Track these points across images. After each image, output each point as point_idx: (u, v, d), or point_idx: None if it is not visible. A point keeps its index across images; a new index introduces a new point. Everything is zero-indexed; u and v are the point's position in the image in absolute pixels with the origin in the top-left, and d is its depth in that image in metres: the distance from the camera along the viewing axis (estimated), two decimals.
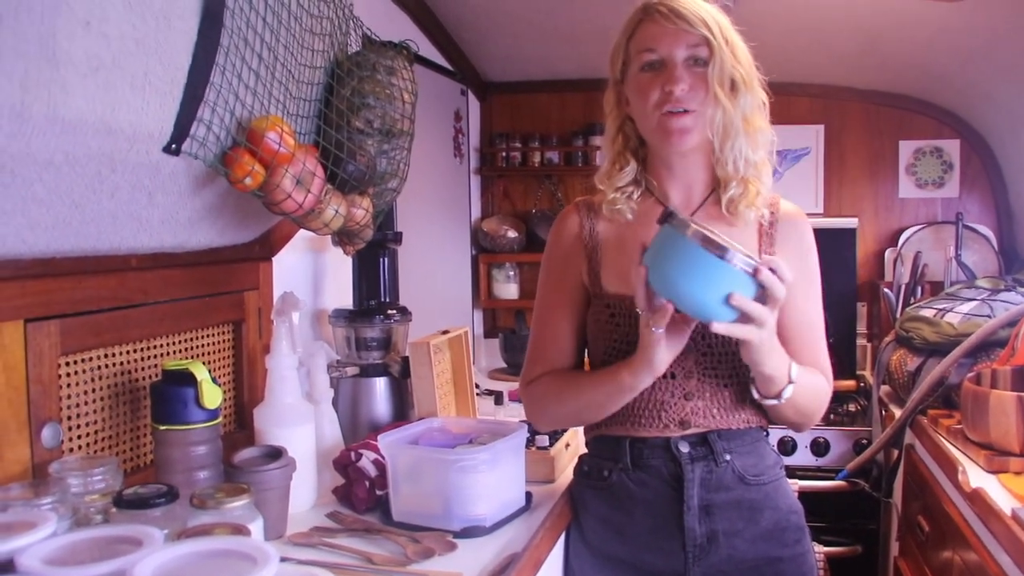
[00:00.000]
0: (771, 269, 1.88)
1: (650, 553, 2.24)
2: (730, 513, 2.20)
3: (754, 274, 1.85)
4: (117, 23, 1.60)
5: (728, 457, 2.21)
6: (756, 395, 2.15)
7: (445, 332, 3.07)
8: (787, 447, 4.15)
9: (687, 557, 2.20)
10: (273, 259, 2.82)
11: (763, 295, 1.89)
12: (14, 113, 1.48)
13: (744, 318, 1.89)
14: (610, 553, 2.30)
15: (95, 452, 2.13)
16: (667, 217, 1.90)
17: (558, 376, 2.33)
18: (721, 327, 1.89)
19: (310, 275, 3.25)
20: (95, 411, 2.14)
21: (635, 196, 2.31)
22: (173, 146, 1.84)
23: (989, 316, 3.36)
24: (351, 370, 2.97)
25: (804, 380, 2.14)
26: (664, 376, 2.16)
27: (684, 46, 2.13)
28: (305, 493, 2.39)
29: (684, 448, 2.20)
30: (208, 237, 2.34)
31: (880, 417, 3.96)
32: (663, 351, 2.02)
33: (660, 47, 2.14)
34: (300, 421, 2.40)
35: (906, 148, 5.10)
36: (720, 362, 2.19)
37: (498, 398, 3.66)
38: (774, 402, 2.13)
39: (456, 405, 3.13)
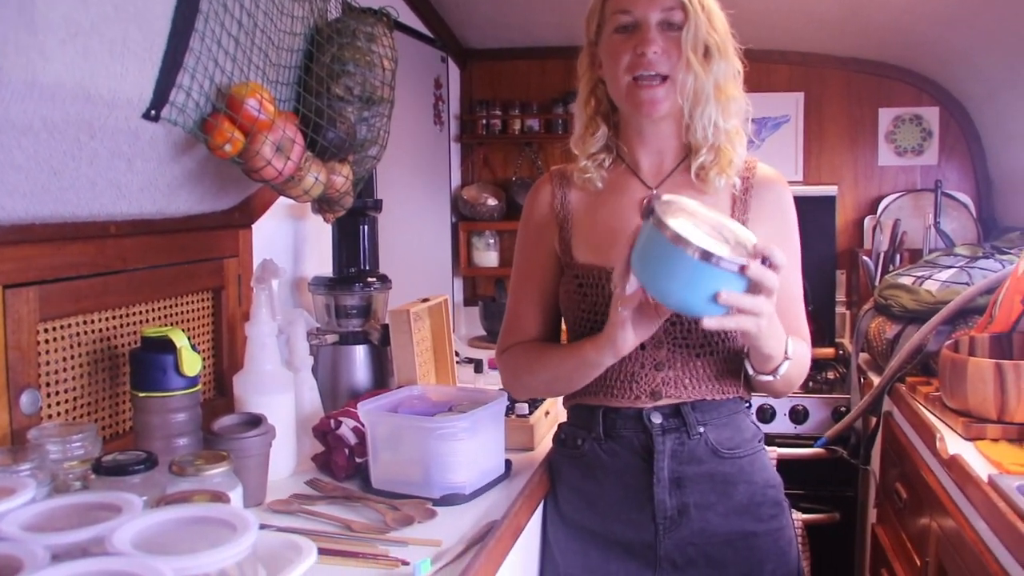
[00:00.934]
0: (764, 258, 1.82)
1: (620, 524, 2.24)
2: (702, 486, 2.20)
3: (741, 271, 1.79)
4: None
5: (702, 429, 2.20)
6: (751, 371, 2.14)
7: (425, 300, 3.07)
8: (766, 415, 4.16)
9: (657, 529, 2.19)
10: (253, 226, 2.82)
11: (756, 286, 1.84)
12: None
13: (737, 311, 1.85)
14: (582, 523, 2.31)
15: (74, 419, 2.13)
16: (649, 212, 1.85)
17: (530, 347, 2.33)
18: (712, 322, 1.84)
19: (290, 242, 3.25)
20: (74, 378, 2.13)
21: (606, 164, 2.31)
22: (152, 112, 1.83)
23: (967, 283, 3.36)
24: (331, 338, 2.97)
25: (798, 354, 2.13)
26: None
27: (658, 9, 2.12)
28: (284, 460, 2.39)
29: (656, 419, 2.19)
30: (188, 204, 2.34)
31: (859, 384, 3.97)
32: (629, 333, 1.99)
33: (635, 9, 2.14)
34: (280, 389, 2.40)
35: (885, 116, 5.11)
36: (691, 332, 2.18)
37: (478, 366, 3.68)
38: (769, 378, 2.12)
39: (436, 373, 3.13)
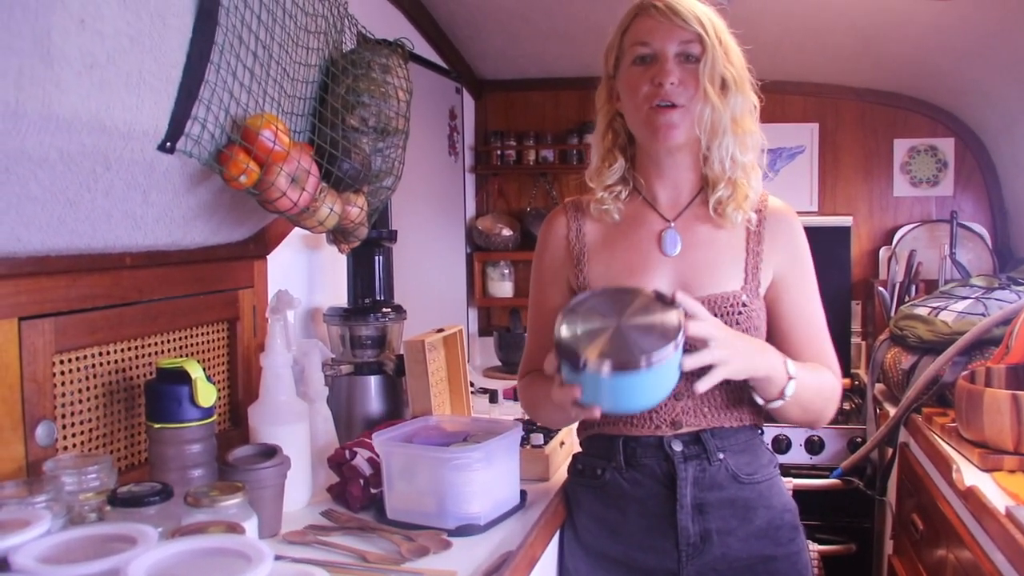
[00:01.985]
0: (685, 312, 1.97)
1: (643, 552, 2.24)
2: (724, 512, 2.20)
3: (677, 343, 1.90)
4: (112, 20, 1.60)
5: (721, 455, 2.21)
6: (760, 401, 2.16)
7: (440, 330, 3.07)
8: (781, 445, 4.15)
9: (680, 556, 2.20)
10: (268, 257, 2.82)
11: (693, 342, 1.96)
12: (8, 111, 1.48)
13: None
14: (604, 551, 2.30)
15: (89, 450, 2.13)
16: (575, 363, 1.90)
17: (538, 379, 2.33)
18: (702, 386, 2.01)
19: (305, 273, 3.25)
20: (89, 409, 2.14)
21: (623, 196, 2.32)
22: (168, 144, 1.84)
23: (983, 314, 3.36)
24: (345, 368, 2.97)
25: (805, 376, 2.15)
26: None
27: (677, 41, 2.14)
28: (299, 491, 2.39)
29: (677, 447, 2.20)
30: (203, 235, 2.34)
31: (874, 415, 3.96)
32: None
33: (653, 41, 2.16)
34: (294, 419, 2.40)
35: (900, 146, 5.10)
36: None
37: (493, 396, 3.66)
38: (779, 403, 2.14)
39: (451, 403, 3.13)
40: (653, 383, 1.90)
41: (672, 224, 2.28)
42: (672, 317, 1.93)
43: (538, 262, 2.42)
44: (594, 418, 2.06)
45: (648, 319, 1.93)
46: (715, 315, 2.14)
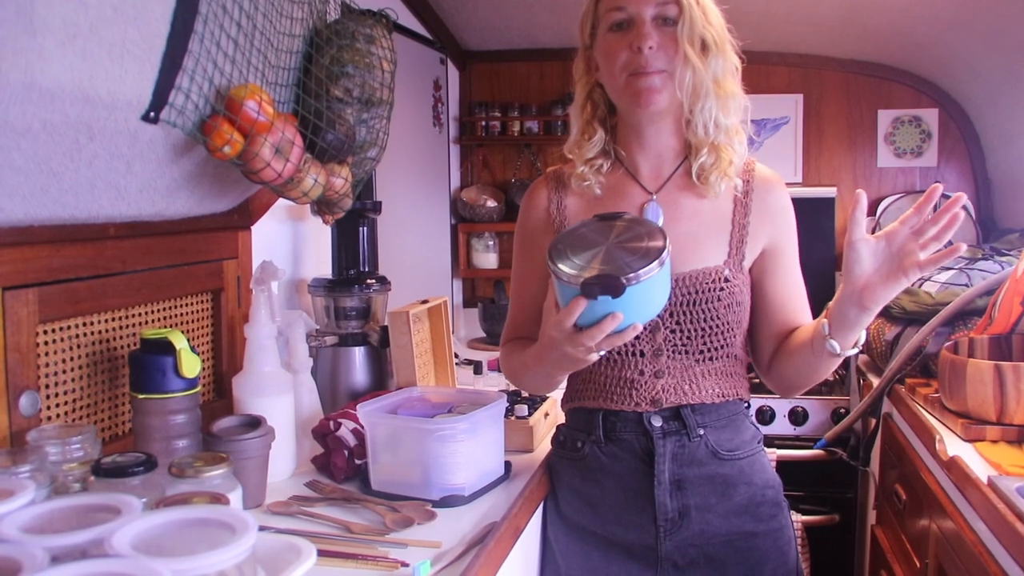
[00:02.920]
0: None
1: (621, 527, 2.24)
2: (703, 488, 2.20)
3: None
4: None
5: (702, 431, 2.20)
6: (836, 349, 2.07)
7: (424, 302, 3.07)
8: (765, 416, 4.16)
9: (658, 531, 2.20)
10: (252, 228, 2.82)
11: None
12: None
13: None
14: (583, 525, 2.31)
15: (73, 420, 2.13)
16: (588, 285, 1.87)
17: (520, 345, 2.33)
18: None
19: (289, 244, 3.25)
20: (73, 379, 2.13)
21: (604, 168, 2.31)
22: (151, 114, 1.83)
23: (967, 285, 3.37)
24: (330, 339, 2.97)
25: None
26: (633, 355, 2.19)
27: (652, 4, 2.11)
28: (284, 462, 2.39)
29: (657, 422, 2.20)
30: (187, 206, 2.34)
31: (858, 386, 3.98)
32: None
33: (628, 5, 2.13)
34: (279, 390, 2.40)
35: (885, 117, 5.11)
36: (690, 339, 2.19)
37: (477, 368, 3.68)
38: (854, 351, 2.10)
39: (435, 375, 3.13)
40: (646, 293, 1.89)
41: (654, 197, 2.26)
42: (656, 234, 1.93)
43: (520, 233, 2.42)
44: (585, 363, 2.01)
45: (634, 241, 1.93)
46: (696, 291, 2.15)
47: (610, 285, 1.83)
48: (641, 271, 1.83)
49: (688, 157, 2.26)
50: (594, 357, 1.97)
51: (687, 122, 2.21)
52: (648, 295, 1.89)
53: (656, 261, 1.85)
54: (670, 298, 2.05)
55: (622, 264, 1.85)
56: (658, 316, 2.11)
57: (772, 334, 2.29)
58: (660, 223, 2.20)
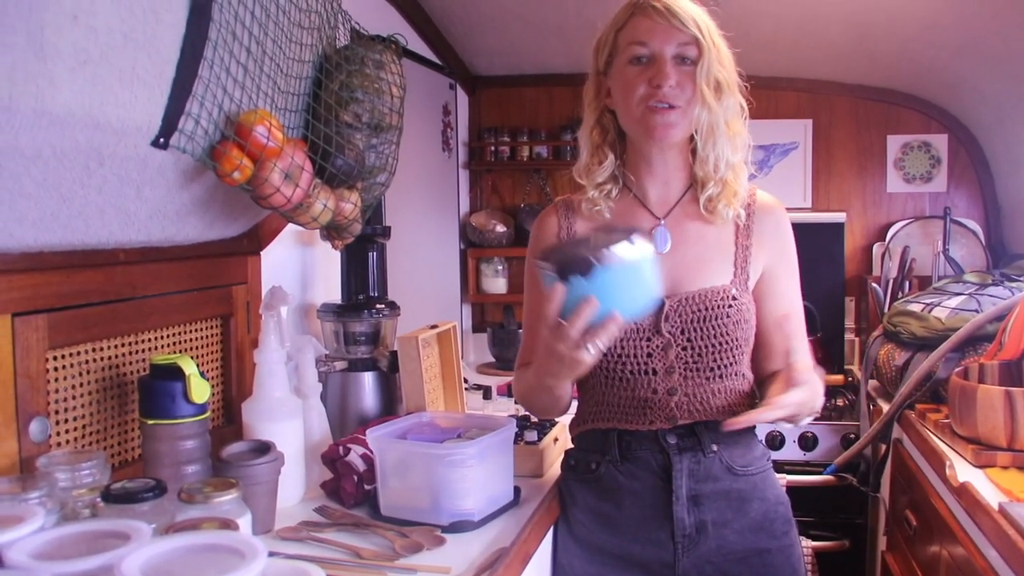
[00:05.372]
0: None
1: (639, 544, 2.25)
2: (719, 503, 2.22)
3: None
4: (105, 16, 1.60)
5: (715, 447, 2.23)
6: (793, 425, 2.22)
7: (434, 327, 3.07)
8: (775, 442, 4.15)
9: (676, 548, 2.21)
10: (261, 253, 2.82)
11: None
12: (2, 107, 1.48)
13: None
14: (599, 545, 2.31)
15: (83, 446, 2.13)
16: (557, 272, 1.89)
17: (527, 371, 2.34)
18: None
19: (298, 269, 3.25)
20: (83, 405, 2.13)
21: (614, 194, 2.33)
22: (161, 140, 1.84)
23: (977, 311, 3.36)
24: (339, 364, 2.97)
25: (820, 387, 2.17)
26: (645, 373, 2.21)
27: (675, 43, 2.15)
28: (293, 487, 2.39)
29: (672, 439, 2.21)
30: (196, 231, 2.34)
31: (868, 411, 3.97)
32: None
33: (651, 42, 2.16)
34: (288, 416, 2.40)
35: (894, 143, 5.11)
36: (700, 356, 2.21)
37: (486, 392, 3.68)
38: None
39: (444, 399, 3.13)
40: (623, 280, 1.89)
41: (662, 222, 2.30)
42: (636, 230, 1.95)
43: (531, 260, 2.42)
44: (579, 364, 1.98)
45: (616, 235, 1.93)
46: (705, 308, 2.19)
47: (578, 263, 1.84)
48: (609, 250, 1.84)
49: (693, 185, 2.31)
50: (586, 357, 1.93)
51: (694, 153, 2.26)
52: (624, 281, 1.88)
53: (625, 240, 1.86)
54: (664, 305, 2.13)
55: (595, 248, 1.86)
56: (661, 326, 2.15)
57: (766, 355, 2.33)
58: (668, 247, 2.26)
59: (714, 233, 2.29)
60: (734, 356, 2.23)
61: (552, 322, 1.91)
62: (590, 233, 2.02)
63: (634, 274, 1.90)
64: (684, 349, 2.20)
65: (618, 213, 2.32)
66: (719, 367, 2.22)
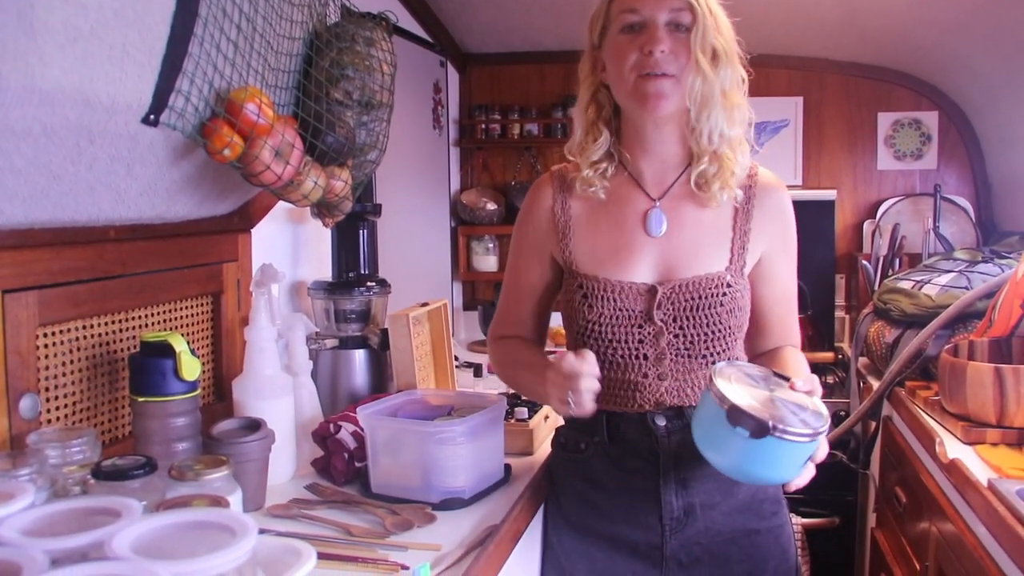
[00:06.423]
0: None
1: (627, 526, 2.24)
2: (707, 485, 2.21)
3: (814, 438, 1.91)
4: None
5: None
6: None
7: (424, 304, 3.07)
8: None
9: (664, 530, 2.20)
10: (252, 231, 2.82)
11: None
12: None
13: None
14: (588, 525, 2.30)
15: (73, 423, 2.13)
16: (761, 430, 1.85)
17: (513, 346, 2.37)
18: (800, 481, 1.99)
19: (289, 247, 3.24)
20: (73, 382, 2.13)
21: (608, 172, 2.29)
22: (151, 117, 1.83)
23: (967, 288, 3.37)
24: (330, 342, 2.97)
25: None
26: (636, 358, 2.19)
27: (667, 9, 2.10)
28: (284, 465, 2.39)
29: (660, 422, 2.19)
30: (187, 208, 2.34)
31: (858, 389, 3.97)
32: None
33: (643, 8, 2.11)
34: (279, 393, 2.40)
35: (885, 120, 5.11)
36: (692, 344, 2.19)
37: (477, 370, 3.67)
38: None
39: (435, 377, 3.13)
40: (794, 458, 1.91)
41: (657, 204, 2.25)
42: (819, 403, 1.97)
43: (521, 229, 2.40)
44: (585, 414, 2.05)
45: (796, 397, 1.95)
46: (699, 296, 2.16)
47: (756, 424, 1.82)
48: (794, 429, 1.85)
49: (691, 164, 2.25)
50: (566, 408, 2.02)
51: (692, 129, 2.19)
52: (779, 456, 1.90)
53: (809, 436, 1.88)
54: (657, 292, 2.15)
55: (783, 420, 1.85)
56: (653, 313, 2.17)
57: (756, 334, 2.33)
58: (663, 230, 2.22)
59: (711, 216, 2.24)
60: (726, 343, 2.21)
61: (571, 371, 1.99)
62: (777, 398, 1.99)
63: (794, 455, 1.91)
64: (676, 336, 2.18)
65: (612, 192, 2.28)
66: (711, 354, 2.20)
